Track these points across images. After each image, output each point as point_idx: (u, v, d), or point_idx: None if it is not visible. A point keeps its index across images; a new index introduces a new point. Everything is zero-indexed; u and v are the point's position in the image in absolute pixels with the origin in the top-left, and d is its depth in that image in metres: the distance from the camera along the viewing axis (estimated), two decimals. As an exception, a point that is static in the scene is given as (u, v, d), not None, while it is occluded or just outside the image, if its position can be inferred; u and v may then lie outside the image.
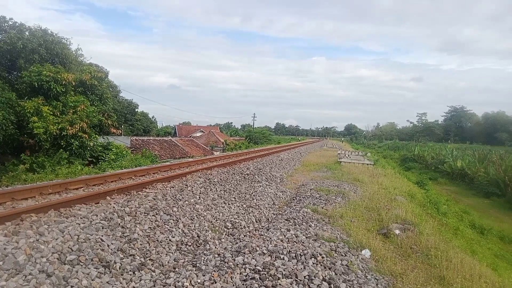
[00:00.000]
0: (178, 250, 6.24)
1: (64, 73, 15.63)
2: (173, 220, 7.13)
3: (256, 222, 8.90)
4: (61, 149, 14.83)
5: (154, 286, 4.78)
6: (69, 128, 14.94)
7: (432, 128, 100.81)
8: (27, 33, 16.49)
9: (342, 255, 6.00)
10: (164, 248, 6.03)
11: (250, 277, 4.76)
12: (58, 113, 15.17)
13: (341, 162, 23.59)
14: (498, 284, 6.42)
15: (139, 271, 5.07)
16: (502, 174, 27.82)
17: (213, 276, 4.75)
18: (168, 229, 6.68)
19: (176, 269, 5.38)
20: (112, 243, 5.36)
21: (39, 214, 5.74)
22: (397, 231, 7.88)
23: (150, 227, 6.41)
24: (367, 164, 23.43)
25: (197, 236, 6.98)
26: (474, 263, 7.27)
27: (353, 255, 6.17)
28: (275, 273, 4.84)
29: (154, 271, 5.22)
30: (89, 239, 5.16)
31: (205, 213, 8.18)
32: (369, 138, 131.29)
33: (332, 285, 4.78)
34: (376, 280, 5.35)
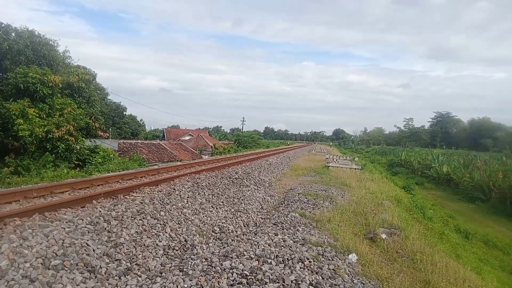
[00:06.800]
0: (165, 254, 6.20)
1: (51, 75, 15.45)
2: (160, 224, 7.08)
3: (244, 226, 8.90)
4: (47, 152, 14.63)
5: (140, 291, 4.73)
6: (55, 130, 14.76)
7: (418, 134, 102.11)
8: (13, 34, 16.26)
9: (329, 260, 6.04)
10: (150, 252, 5.99)
11: (237, 282, 4.75)
12: (44, 116, 14.97)
13: (329, 166, 23.73)
14: (481, 288, 6.53)
15: (125, 276, 5.02)
16: (487, 179, 28.36)
17: (200, 281, 4.73)
18: (155, 234, 6.63)
19: (163, 274, 5.33)
20: (97, 248, 5.30)
21: (23, 218, 5.64)
22: (384, 236, 7.96)
23: (136, 232, 6.35)
24: (355, 169, 23.62)
25: (185, 241, 6.95)
26: (458, 267, 7.38)
27: (340, 259, 6.22)
28: (262, 278, 4.84)
29: (140, 276, 5.17)
30: (74, 244, 5.09)
31: (192, 217, 8.15)
32: (356, 143, 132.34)
33: (319, 290, 4.81)
34: (362, 285, 5.39)
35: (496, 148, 69.01)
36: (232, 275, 4.95)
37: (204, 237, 7.55)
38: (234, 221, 8.95)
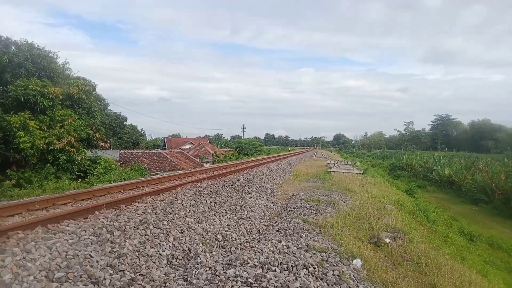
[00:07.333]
0: (168, 264, 6.17)
1: (51, 87, 15.52)
2: (163, 233, 7.06)
3: (247, 234, 8.86)
4: (48, 164, 14.65)
5: (145, 301, 4.70)
6: (57, 142, 14.78)
7: (419, 137, 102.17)
8: (13, 47, 16.39)
9: (333, 265, 6.00)
10: (154, 262, 5.96)
11: (242, 290, 4.72)
12: (45, 128, 15.01)
13: (330, 171, 23.70)
14: (488, 291, 6.49)
15: (129, 287, 4.99)
16: (489, 181, 28.28)
17: (204, 290, 4.71)
18: (158, 243, 6.61)
19: (167, 284, 5.31)
20: (101, 259, 5.28)
21: (26, 231, 5.62)
22: (388, 240, 7.92)
23: (140, 242, 6.33)
24: (357, 174, 23.59)
25: (188, 250, 6.92)
26: (464, 270, 7.34)
27: (344, 265, 6.18)
28: (267, 285, 4.82)
29: (144, 287, 5.14)
30: (78, 255, 5.08)
31: (195, 226, 8.13)
32: (357, 147, 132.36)
33: (324, 296, 4.78)
34: (368, 290, 5.35)
35: (497, 149, 68.88)
36: (237, 283, 4.92)
37: (208, 245, 7.52)
38: (237, 229, 8.92)
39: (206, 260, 6.52)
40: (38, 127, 14.64)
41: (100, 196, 9.40)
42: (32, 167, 14.68)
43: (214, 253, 7.17)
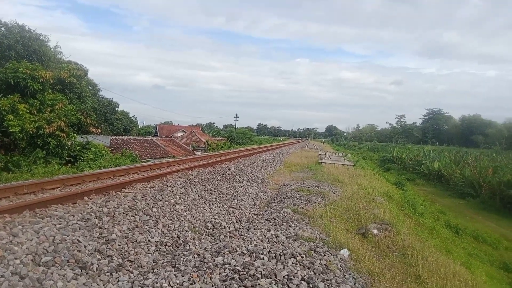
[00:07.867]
0: (157, 250, 6.19)
1: (41, 70, 15.27)
2: (153, 220, 7.06)
3: (237, 222, 8.90)
4: (38, 148, 14.49)
5: (132, 287, 4.70)
6: (46, 126, 14.61)
7: (410, 130, 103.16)
8: (3, 28, 16.08)
9: (321, 255, 6.07)
10: (142, 248, 5.97)
11: (230, 277, 4.76)
12: (35, 111, 14.81)
13: (321, 163, 23.81)
14: (471, 282, 6.61)
15: (116, 272, 5.00)
16: (477, 175, 28.65)
17: (192, 277, 4.73)
18: (147, 230, 6.61)
19: (155, 270, 5.32)
20: (89, 244, 5.26)
21: (13, 214, 5.59)
22: (375, 231, 8.02)
23: (128, 228, 6.33)
24: (347, 165, 23.72)
25: (177, 237, 6.94)
26: (448, 262, 7.46)
27: (332, 254, 6.25)
28: (255, 273, 4.85)
29: (132, 272, 5.16)
30: (66, 240, 5.06)
31: (185, 214, 8.13)
32: (349, 139, 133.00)
33: (310, 285, 4.83)
34: (354, 279, 5.43)
35: (486, 144, 69.80)
36: (225, 270, 4.95)
37: (197, 233, 7.54)
38: (226, 217, 8.95)
39: (195, 248, 6.53)
40: (28, 111, 14.44)
41: (90, 181, 9.35)
42: (21, 151, 14.52)
43: (203, 240, 7.19)
